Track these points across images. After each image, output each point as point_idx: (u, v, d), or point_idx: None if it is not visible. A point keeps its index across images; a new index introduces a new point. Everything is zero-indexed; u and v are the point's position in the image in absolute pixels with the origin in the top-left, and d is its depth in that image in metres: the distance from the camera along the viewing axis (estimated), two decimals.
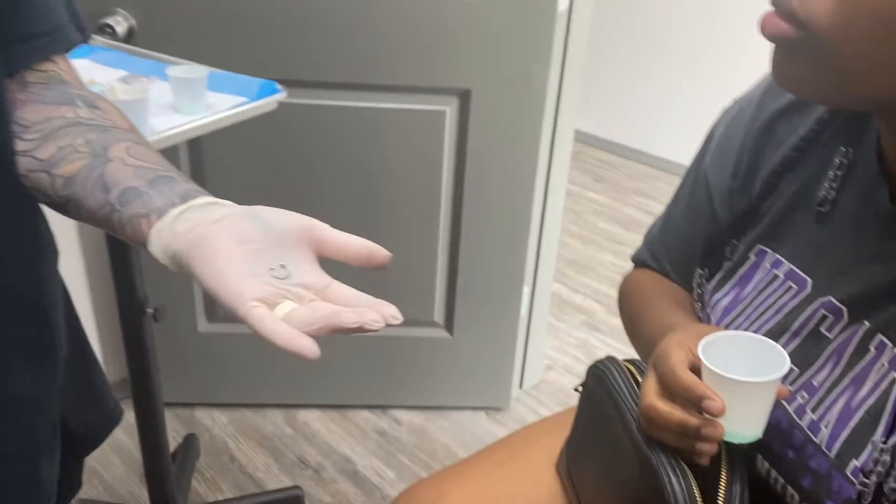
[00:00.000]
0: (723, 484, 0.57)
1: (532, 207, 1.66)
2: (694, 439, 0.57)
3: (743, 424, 0.58)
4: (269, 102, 1.11)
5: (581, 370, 2.07)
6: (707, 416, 0.56)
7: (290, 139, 1.54)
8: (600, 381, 0.68)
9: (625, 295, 0.84)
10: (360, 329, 0.46)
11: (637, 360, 0.74)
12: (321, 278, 0.49)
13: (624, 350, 2.14)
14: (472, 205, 1.63)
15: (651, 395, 0.59)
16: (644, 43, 3.23)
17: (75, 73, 0.65)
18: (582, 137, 3.44)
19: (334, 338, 1.82)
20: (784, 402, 0.60)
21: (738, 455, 0.59)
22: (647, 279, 0.82)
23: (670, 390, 0.59)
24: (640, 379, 0.68)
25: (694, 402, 0.57)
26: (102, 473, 1.66)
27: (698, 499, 0.56)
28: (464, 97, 1.53)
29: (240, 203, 0.55)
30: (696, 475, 0.58)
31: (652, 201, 3.05)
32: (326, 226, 0.52)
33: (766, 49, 0.54)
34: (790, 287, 0.63)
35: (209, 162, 1.55)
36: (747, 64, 2.93)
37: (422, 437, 1.81)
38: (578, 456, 0.68)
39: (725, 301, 0.67)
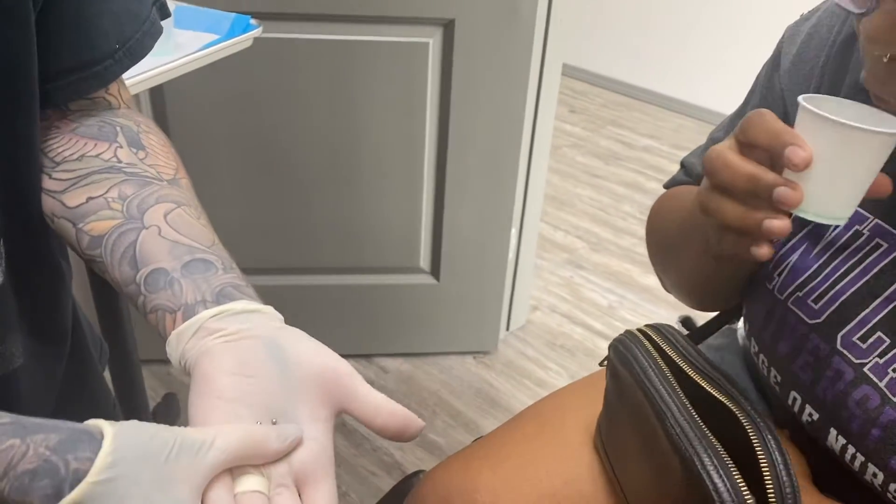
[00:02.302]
0: (769, 479, 0.50)
1: (521, 146, 1.58)
2: (763, 210, 0.48)
3: (830, 196, 0.47)
4: (243, 39, 1.00)
5: (566, 309, 2.03)
6: (782, 178, 0.47)
7: (261, 77, 1.42)
8: (625, 364, 0.61)
9: (652, 218, 0.75)
10: None
11: (658, 324, 0.66)
12: (313, 464, 0.41)
13: (610, 288, 2.11)
14: (457, 143, 1.54)
15: (723, 146, 0.51)
16: None
17: (126, 90, 0.56)
18: None
19: (316, 288, 1.72)
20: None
21: (775, 439, 0.52)
22: (678, 189, 0.73)
23: (749, 136, 0.49)
24: (665, 350, 0.61)
25: (776, 151, 0.47)
26: None
27: (749, 500, 0.49)
28: (448, 28, 1.42)
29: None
30: (739, 467, 0.51)
31: (629, 132, 2.99)
32: (356, 376, 0.43)
33: None
34: (878, 245, 0.56)
35: (173, 104, 1.42)
36: None
37: (410, 384, 1.76)
38: (613, 436, 0.63)
39: (794, 258, 0.60)
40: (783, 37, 0.67)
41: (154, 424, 0.38)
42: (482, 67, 1.46)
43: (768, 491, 0.47)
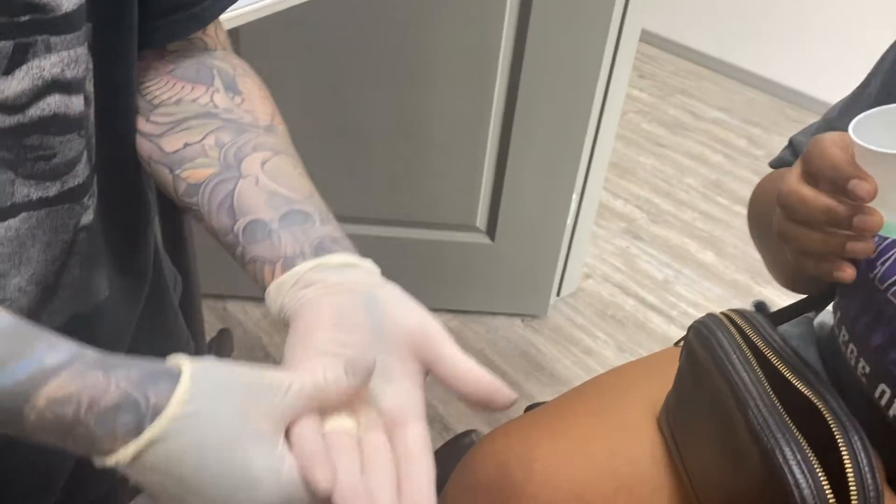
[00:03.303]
0: (852, 480, 0.48)
1: (591, 110, 1.54)
2: (844, 235, 0.48)
3: None
4: None
5: (620, 279, 2.00)
6: (857, 204, 0.46)
7: (333, 23, 1.40)
8: (706, 348, 0.59)
9: (754, 198, 0.74)
10: None
11: (743, 310, 0.65)
12: (402, 409, 0.41)
13: (667, 261, 2.07)
14: (526, 103, 1.51)
15: (793, 179, 0.50)
16: None
17: (223, 31, 0.56)
18: None
19: (371, 238, 1.73)
20: None
21: (861, 440, 0.50)
22: (781, 172, 0.71)
23: (814, 171, 0.49)
24: (751, 337, 0.59)
25: (840, 185, 0.47)
26: None
27: (830, 499, 0.48)
28: None
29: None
30: (823, 466, 0.49)
31: (698, 102, 2.89)
32: (445, 338, 0.44)
33: None
34: None
35: (247, 46, 1.42)
36: None
37: (456, 341, 1.77)
38: (683, 419, 0.61)
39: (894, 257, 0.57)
40: None
41: (232, 361, 0.38)
42: (559, 26, 1.41)
43: (851, 492, 0.46)
